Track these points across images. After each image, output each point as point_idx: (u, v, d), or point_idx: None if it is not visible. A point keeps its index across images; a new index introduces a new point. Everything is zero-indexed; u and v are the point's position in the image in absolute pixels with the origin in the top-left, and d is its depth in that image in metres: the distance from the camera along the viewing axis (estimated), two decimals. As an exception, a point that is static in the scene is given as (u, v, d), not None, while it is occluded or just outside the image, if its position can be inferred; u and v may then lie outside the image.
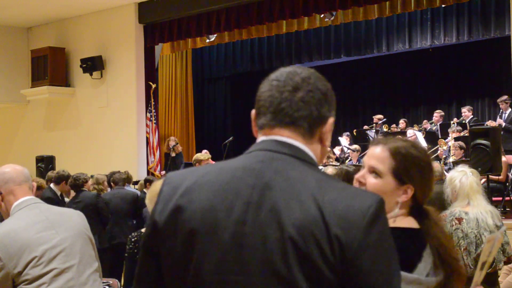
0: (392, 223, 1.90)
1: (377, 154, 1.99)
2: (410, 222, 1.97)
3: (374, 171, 1.97)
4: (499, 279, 4.77)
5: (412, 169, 1.96)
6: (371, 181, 1.96)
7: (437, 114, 12.75)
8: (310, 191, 1.41)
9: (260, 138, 1.52)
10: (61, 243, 2.82)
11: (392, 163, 1.96)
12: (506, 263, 4.45)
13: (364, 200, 1.41)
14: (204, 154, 9.18)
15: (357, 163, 10.89)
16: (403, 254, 1.65)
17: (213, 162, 12.79)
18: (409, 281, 1.80)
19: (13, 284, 2.75)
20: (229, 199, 1.44)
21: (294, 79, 1.50)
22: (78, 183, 7.67)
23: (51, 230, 2.83)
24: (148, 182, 9.10)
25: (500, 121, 10.73)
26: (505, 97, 11.02)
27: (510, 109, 10.98)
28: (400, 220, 1.96)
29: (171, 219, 1.48)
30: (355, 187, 1.68)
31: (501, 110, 11.20)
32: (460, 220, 4.29)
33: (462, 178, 4.31)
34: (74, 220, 2.93)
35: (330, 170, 6.50)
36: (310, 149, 1.50)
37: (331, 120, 1.52)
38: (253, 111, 1.55)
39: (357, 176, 2.03)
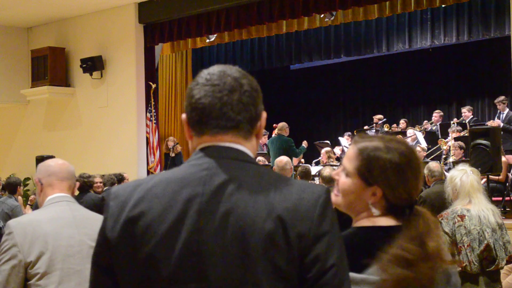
0: (368, 222, 1.88)
1: (348, 152, 1.96)
2: (388, 221, 1.90)
3: (344, 170, 1.95)
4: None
5: (375, 170, 1.88)
6: (341, 180, 1.94)
7: (437, 114, 12.76)
8: (259, 190, 1.45)
9: (201, 145, 1.53)
10: (79, 244, 2.83)
11: (357, 163, 1.91)
12: (508, 261, 4.46)
13: (313, 192, 1.46)
14: None
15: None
16: (368, 251, 1.72)
17: None
18: (356, 282, 1.77)
19: (26, 278, 2.75)
20: (179, 208, 1.45)
21: (227, 81, 1.51)
22: (85, 185, 7.65)
23: (73, 229, 2.84)
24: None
25: (498, 122, 10.73)
26: (502, 97, 11.03)
27: (507, 110, 10.99)
28: (378, 219, 1.92)
29: (124, 232, 1.48)
30: (301, 181, 1.69)
31: (498, 111, 11.20)
32: (462, 217, 4.30)
33: (463, 176, 4.33)
34: (96, 228, 2.89)
35: (328, 170, 6.51)
36: (249, 148, 1.54)
37: (264, 115, 1.57)
38: (184, 116, 1.55)
39: (333, 173, 2.03)
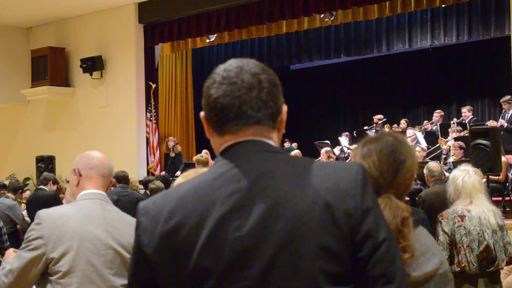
0: None
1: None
2: None
3: None
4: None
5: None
6: None
7: (437, 114, 12.75)
8: (296, 178, 1.41)
9: (225, 144, 1.48)
10: (105, 248, 2.74)
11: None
12: (508, 263, 4.45)
13: (349, 169, 1.44)
14: (204, 155, 9.12)
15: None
16: None
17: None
18: None
19: (47, 273, 2.68)
20: (217, 211, 1.40)
21: (245, 78, 1.46)
22: None
23: (101, 231, 2.75)
24: (149, 183, 9.08)
25: (502, 122, 10.71)
26: (508, 97, 11.00)
27: (512, 110, 10.96)
28: None
29: (163, 246, 1.43)
30: (333, 161, 1.67)
31: (503, 110, 11.17)
32: (462, 217, 4.30)
33: (465, 177, 4.32)
34: (125, 233, 2.81)
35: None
36: (273, 141, 1.49)
37: (285, 108, 1.52)
38: (202, 114, 1.50)
39: None
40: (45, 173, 8.78)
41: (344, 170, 1.44)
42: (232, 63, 1.50)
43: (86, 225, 2.73)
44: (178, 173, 12.60)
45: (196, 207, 1.42)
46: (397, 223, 1.94)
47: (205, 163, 8.42)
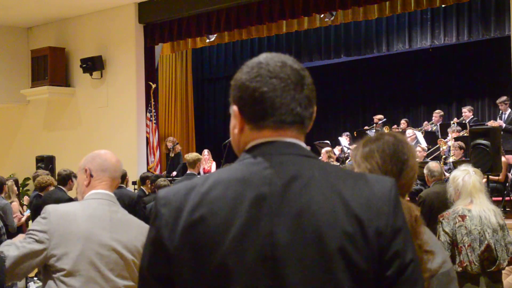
0: None
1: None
2: None
3: None
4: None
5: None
6: None
7: (436, 114, 12.75)
8: (329, 187, 1.38)
9: (259, 140, 1.43)
10: (109, 250, 2.73)
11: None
12: (510, 262, 4.45)
13: (383, 185, 1.42)
14: (192, 155, 8.58)
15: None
16: None
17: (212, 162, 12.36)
18: None
19: (50, 270, 2.66)
20: (246, 211, 1.36)
21: (291, 73, 1.43)
22: None
23: (106, 232, 2.74)
24: (147, 179, 9.05)
25: (500, 122, 10.72)
26: (504, 98, 11.01)
27: (509, 110, 10.96)
28: None
29: (185, 240, 1.38)
30: (367, 173, 1.61)
31: (500, 111, 11.18)
32: (463, 217, 4.29)
33: (465, 176, 4.32)
34: (129, 235, 2.80)
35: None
36: (304, 143, 1.47)
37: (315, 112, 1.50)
38: (236, 108, 1.45)
39: None
40: (61, 171, 7.97)
41: (378, 186, 1.40)
42: (273, 57, 1.45)
43: (92, 225, 2.73)
44: (174, 173, 12.59)
45: (222, 204, 1.37)
46: (412, 222, 1.94)
47: (190, 163, 8.07)
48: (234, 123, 1.47)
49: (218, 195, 1.38)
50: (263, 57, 1.46)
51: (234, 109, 1.45)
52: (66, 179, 7.83)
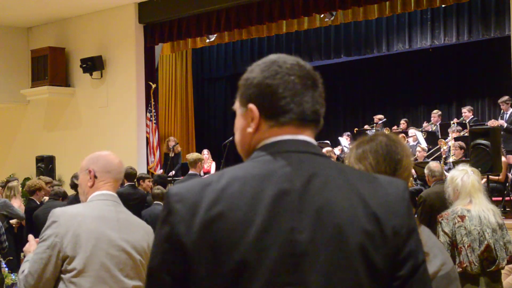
0: None
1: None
2: None
3: None
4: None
5: None
6: None
7: (435, 114, 12.76)
8: (347, 186, 1.39)
9: (277, 137, 1.43)
10: (118, 250, 2.75)
11: None
12: (508, 262, 4.45)
13: (397, 186, 1.44)
14: (193, 155, 8.49)
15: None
16: None
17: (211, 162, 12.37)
18: None
19: (60, 272, 2.68)
20: (267, 208, 1.34)
21: (307, 73, 1.44)
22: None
23: (115, 232, 2.76)
24: (141, 179, 9.06)
25: (501, 122, 10.71)
26: (505, 97, 11.00)
27: (511, 110, 10.95)
28: None
29: (203, 237, 1.35)
30: (380, 175, 1.60)
31: (502, 111, 11.17)
32: (462, 217, 4.29)
33: (464, 176, 4.32)
34: (137, 236, 2.82)
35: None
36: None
37: None
38: (254, 107, 1.43)
39: None
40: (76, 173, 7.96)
41: (391, 187, 1.42)
42: (285, 56, 1.46)
43: (101, 226, 2.75)
44: (173, 172, 12.58)
45: (242, 200, 1.35)
46: None
47: (192, 163, 8.06)
48: (245, 123, 1.45)
49: (236, 191, 1.36)
50: (276, 56, 1.46)
51: (250, 107, 1.44)
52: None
